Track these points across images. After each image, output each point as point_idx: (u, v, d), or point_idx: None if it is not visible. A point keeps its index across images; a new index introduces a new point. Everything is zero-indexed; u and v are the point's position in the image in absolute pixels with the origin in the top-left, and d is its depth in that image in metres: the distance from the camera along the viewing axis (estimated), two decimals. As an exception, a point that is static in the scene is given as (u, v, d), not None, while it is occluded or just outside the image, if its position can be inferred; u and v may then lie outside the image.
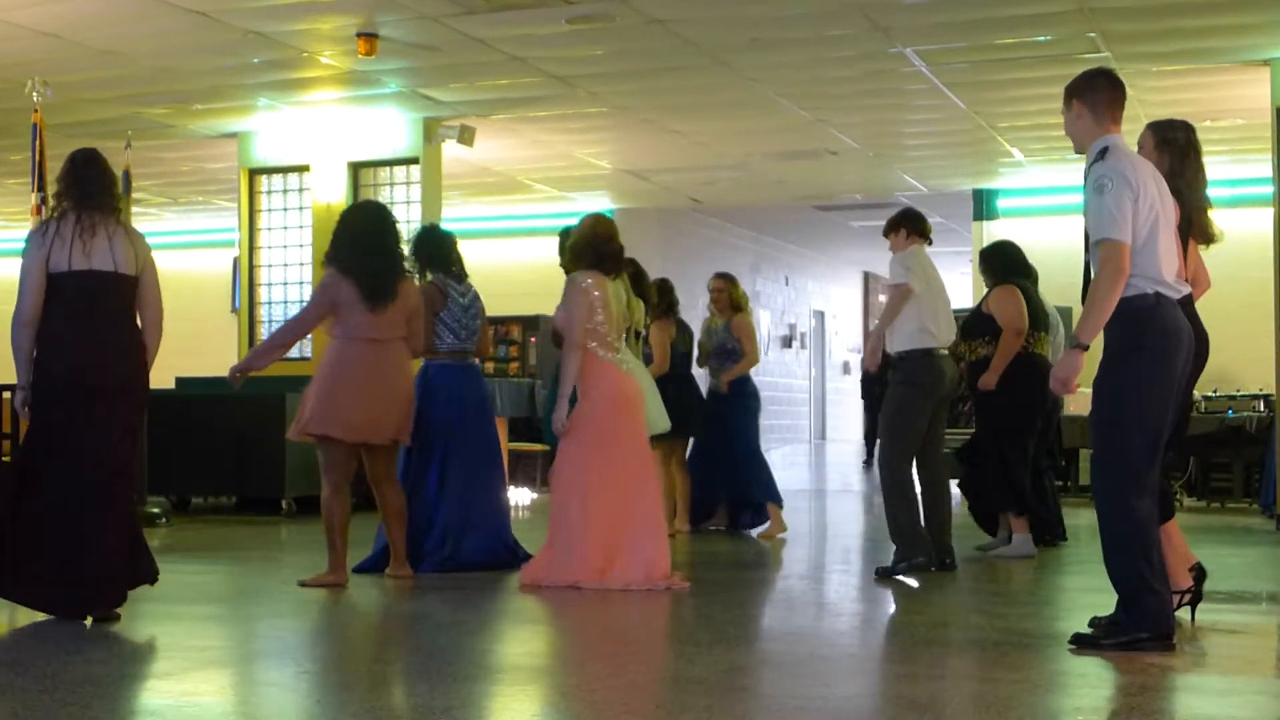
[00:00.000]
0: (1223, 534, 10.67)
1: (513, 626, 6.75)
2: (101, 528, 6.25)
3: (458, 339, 8.21)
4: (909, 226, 8.32)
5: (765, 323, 25.15)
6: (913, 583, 7.70)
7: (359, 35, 10.71)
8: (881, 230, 8.60)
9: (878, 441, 8.42)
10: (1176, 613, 5.82)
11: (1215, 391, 13.59)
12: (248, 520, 11.85)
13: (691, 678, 5.13)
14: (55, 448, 6.25)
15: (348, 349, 7.44)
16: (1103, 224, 5.35)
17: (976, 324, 9.08)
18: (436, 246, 8.36)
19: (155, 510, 11.35)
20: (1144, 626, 5.42)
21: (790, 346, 26.73)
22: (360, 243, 7.54)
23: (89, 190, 6.43)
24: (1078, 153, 5.75)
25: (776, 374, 25.93)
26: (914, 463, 8.14)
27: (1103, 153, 5.50)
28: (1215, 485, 13.77)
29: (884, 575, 7.87)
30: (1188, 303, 5.72)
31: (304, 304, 8.40)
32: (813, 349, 28.09)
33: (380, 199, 13.91)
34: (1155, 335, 5.39)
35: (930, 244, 8.40)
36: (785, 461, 22.64)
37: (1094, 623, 5.60)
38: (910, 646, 6.09)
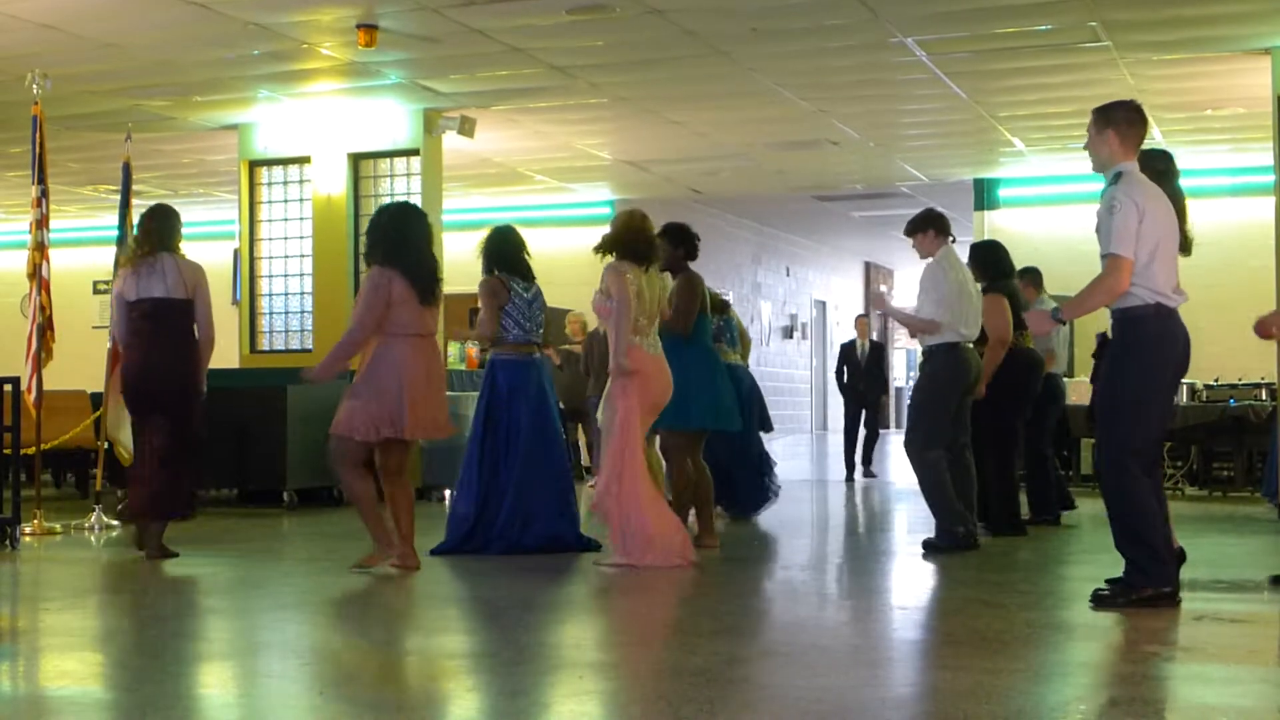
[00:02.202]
0: (1225, 523, 10.67)
1: (513, 618, 6.75)
2: (167, 476, 8.48)
3: (523, 330, 8.67)
4: (936, 227, 8.72)
5: (766, 313, 25.16)
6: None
7: (359, 27, 10.70)
8: (904, 230, 8.91)
9: (906, 439, 8.69)
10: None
11: (1217, 381, 13.59)
12: (249, 512, 11.86)
13: (693, 668, 5.13)
14: (138, 429, 8.76)
15: (402, 346, 7.61)
16: (1111, 240, 6.09)
17: None
18: (504, 246, 8.80)
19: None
20: (1150, 584, 6.15)
21: (791, 337, 26.72)
22: (412, 241, 7.79)
23: (154, 238, 8.54)
24: (1096, 171, 6.44)
25: (777, 364, 25.92)
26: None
27: (1117, 177, 6.24)
28: (1217, 474, 13.77)
29: (931, 549, 8.37)
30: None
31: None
32: (814, 339, 28.08)
33: (380, 190, 13.95)
34: (1154, 339, 6.18)
35: (954, 240, 8.81)
36: (787, 452, 22.65)
37: (1108, 583, 6.32)
38: (912, 636, 6.09)
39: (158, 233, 8.55)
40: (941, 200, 18.93)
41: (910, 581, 7.65)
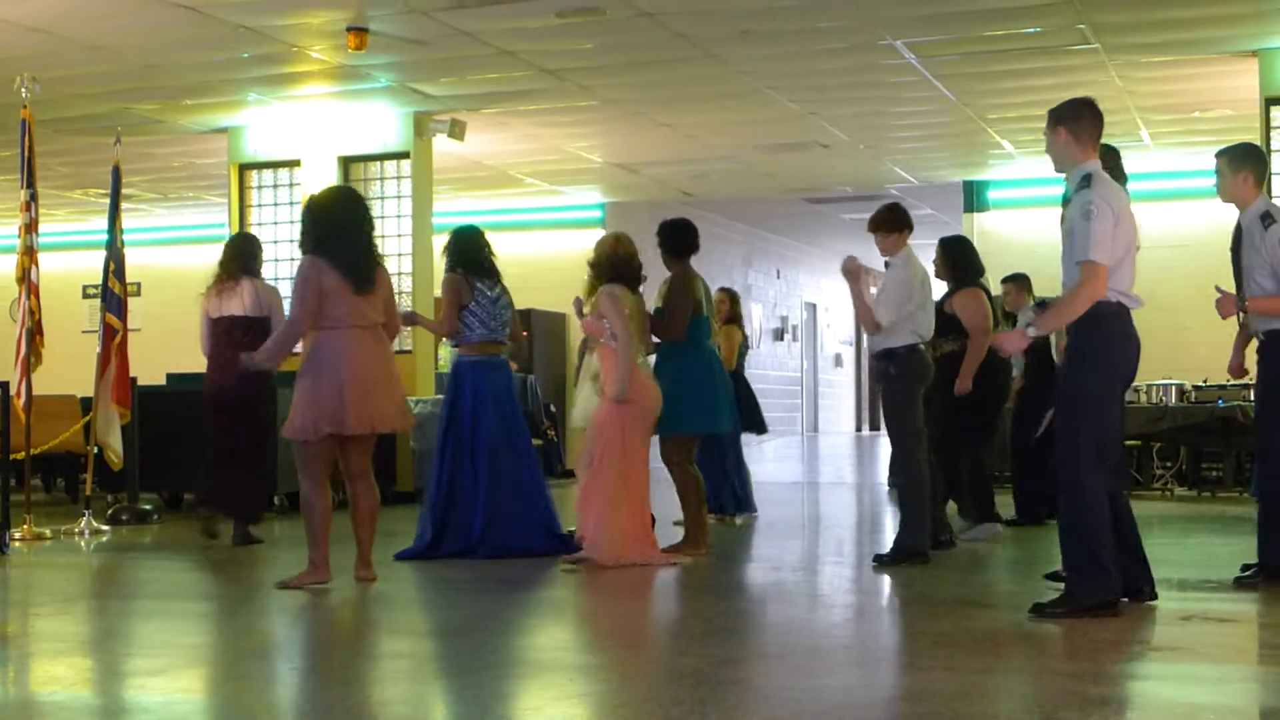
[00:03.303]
0: (1213, 523, 10.70)
1: (502, 621, 6.76)
2: (239, 475, 9.48)
3: (487, 329, 8.63)
4: (899, 221, 8.47)
5: (757, 315, 25.16)
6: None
7: (349, 30, 10.68)
8: (870, 226, 8.59)
9: (889, 430, 8.52)
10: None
11: (1205, 381, 13.61)
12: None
13: (684, 670, 5.14)
14: (214, 432, 9.62)
15: (339, 339, 7.26)
16: (1089, 247, 5.98)
17: (941, 323, 8.95)
18: (468, 245, 8.81)
19: (147, 507, 11.35)
20: (1092, 595, 5.99)
21: (782, 339, 26.73)
22: (341, 228, 7.44)
23: (234, 265, 9.67)
24: (1058, 172, 6.39)
25: (769, 366, 25.93)
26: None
27: (1087, 179, 6.14)
28: (1206, 475, 13.79)
29: (885, 563, 8.09)
30: None
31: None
32: (804, 341, 28.10)
33: (371, 194, 13.92)
34: (1117, 338, 6.09)
35: (911, 230, 8.54)
36: (777, 454, 22.66)
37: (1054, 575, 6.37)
38: (902, 637, 6.10)
39: (239, 259, 9.68)
40: (931, 202, 18.97)
41: (900, 582, 7.66)
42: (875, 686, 5.07)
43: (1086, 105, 6.27)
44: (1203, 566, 7.80)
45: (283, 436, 7.49)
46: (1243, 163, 7.21)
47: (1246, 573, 7.08)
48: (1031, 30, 10.98)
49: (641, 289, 8.45)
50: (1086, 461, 6.02)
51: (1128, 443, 13.38)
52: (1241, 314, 7.19)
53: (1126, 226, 6.10)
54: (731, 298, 11.80)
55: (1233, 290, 7.17)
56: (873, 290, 8.90)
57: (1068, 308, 6.10)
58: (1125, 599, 6.17)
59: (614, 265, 8.27)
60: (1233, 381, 13.59)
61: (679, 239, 8.98)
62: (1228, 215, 7.46)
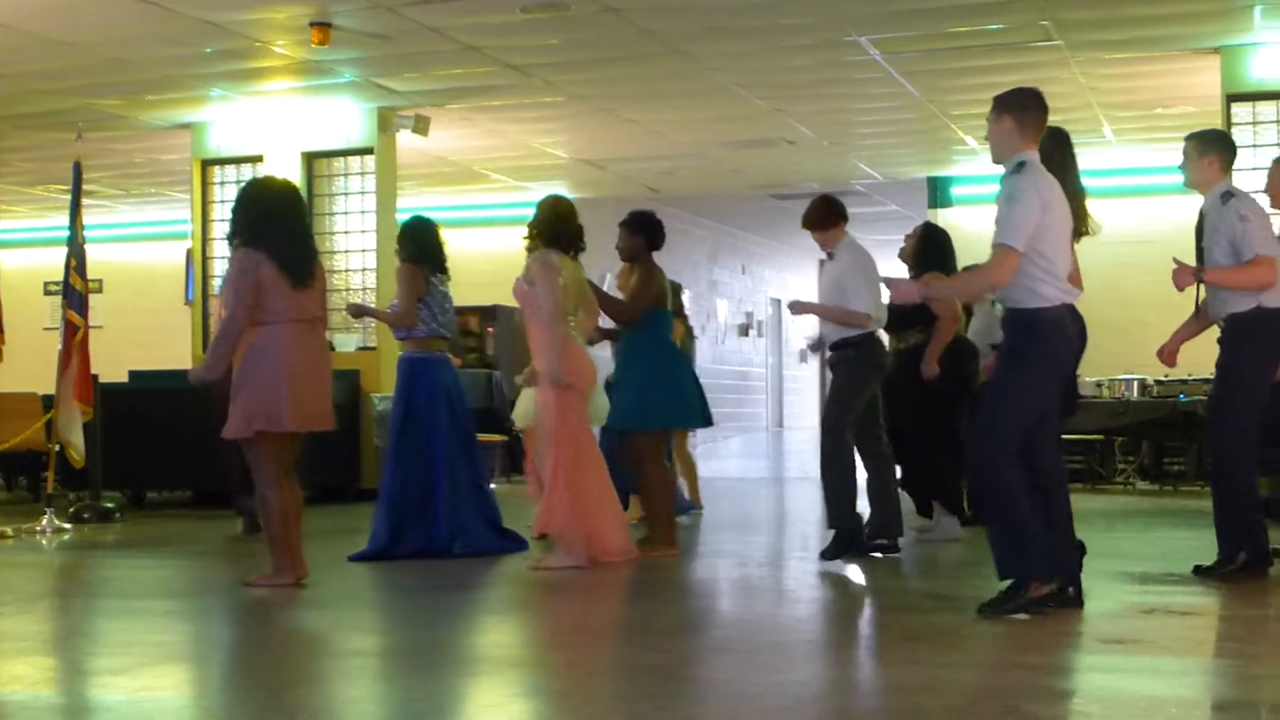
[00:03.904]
0: (1176, 517, 10.77)
1: (471, 618, 6.75)
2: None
3: (437, 324, 8.53)
4: (835, 215, 8.29)
5: (723, 311, 25.19)
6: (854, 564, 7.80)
7: (312, 25, 10.63)
8: (804, 223, 8.41)
9: (829, 414, 8.24)
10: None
11: (1167, 376, 13.69)
12: (204, 515, 11.78)
13: (649, 666, 5.14)
14: None
15: (278, 334, 7.06)
16: (1005, 230, 5.85)
17: (909, 314, 8.85)
18: (424, 237, 8.69)
19: (109, 505, 11.28)
20: (1035, 583, 5.87)
21: (747, 335, 26.77)
22: (278, 219, 7.25)
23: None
24: (995, 162, 6.15)
25: (734, 362, 25.97)
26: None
27: (1020, 166, 5.98)
28: (1168, 469, 13.88)
29: (829, 557, 8.03)
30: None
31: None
32: (770, 337, 28.15)
33: (335, 189, 13.88)
34: (1048, 339, 5.95)
35: (847, 220, 8.38)
36: (742, 450, 22.70)
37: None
38: (866, 631, 6.12)
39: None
40: (896, 198, 19.04)
41: (865, 577, 7.69)
42: (839, 680, 5.08)
43: (1034, 96, 6.11)
44: (1165, 560, 7.85)
45: (227, 437, 7.18)
46: (1210, 146, 7.18)
47: (1225, 568, 7.03)
48: (995, 27, 11.03)
49: (609, 282, 8.31)
50: (1007, 450, 5.89)
51: (1089, 437, 13.49)
52: (1199, 284, 7.15)
53: (1058, 217, 5.95)
54: (673, 289, 11.43)
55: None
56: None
57: (967, 282, 6.16)
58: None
59: (553, 226, 7.91)
60: (1194, 376, 13.77)
61: (656, 231, 8.74)
62: (1190, 211, 7.49)
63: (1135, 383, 13.52)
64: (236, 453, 8.30)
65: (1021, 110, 6.03)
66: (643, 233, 8.67)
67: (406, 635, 6.08)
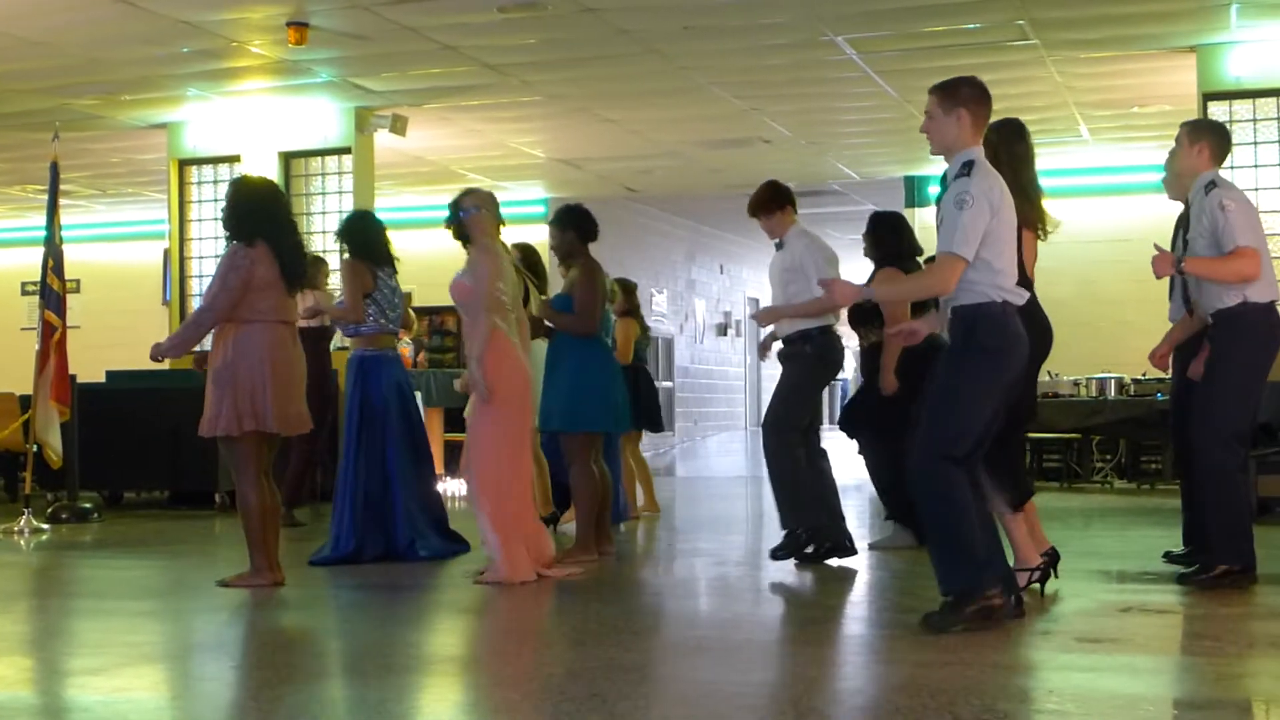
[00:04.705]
0: (1153, 515, 10.81)
1: (446, 619, 6.75)
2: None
3: (386, 320, 8.33)
4: (780, 198, 8.00)
5: (701, 310, 25.22)
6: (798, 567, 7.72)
7: (289, 24, 10.63)
8: (750, 210, 8.17)
9: (772, 411, 7.89)
10: (1026, 588, 6.14)
11: (1144, 374, 13.75)
12: (181, 515, 11.75)
13: (628, 665, 5.15)
14: None
15: (267, 333, 7.02)
16: (953, 238, 5.54)
17: (869, 309, 8.31)
18: (367, 230, 8.47)
19: (87, 505, 11.24)
20: (977, 594, 5.55)
21: (725, 334, 26.80)
22: (278, 220, 7.24)
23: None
24: (937, 154, 5.86)
25: (712, 361, 26.00)
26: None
27: (968, 167, 5.66)
28: (1145, 467, 13.94)
29: (780, 556, 7.84)
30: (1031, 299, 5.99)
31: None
32: (748, 336, 28.19)
33: (312, 189, 13.86)
34: (998, 339, 5.62)
35: (794, 206, 8.06)
36: (721, 448, 22.73)
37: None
38: (845, 631, 6.13)
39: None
40: (872, 198, 19.04)
41: (843, 575, 7.70)
42: (817, 679, 5.09)
43: (984, 89, 5.81)
44: (1142, 558, 7.88)
45: (202, 435, 7.12)
46: (1202, 133, 6.94)
47: (1192, 569, 6.85)
48: (971, 26, 11.06)
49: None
50: (947, 459, 5.57)
51: (1066, 435, 13.53)
52: (1180, 279, 6.90)
53: (1006, 221, 5.66)
54: (626, 289, 10.83)
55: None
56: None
57: (909, 286, 5.80)
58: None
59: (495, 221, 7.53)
60: (1171, 376, 13.82)
61: (587, 222, 8.32)
62: (1168, 210, 7.39)
63: (1112, 381, 13.57)
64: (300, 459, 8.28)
65: (976, 104, 5.74)
66: (571, 227, 8.25)
67: (381, 636, 6.06)
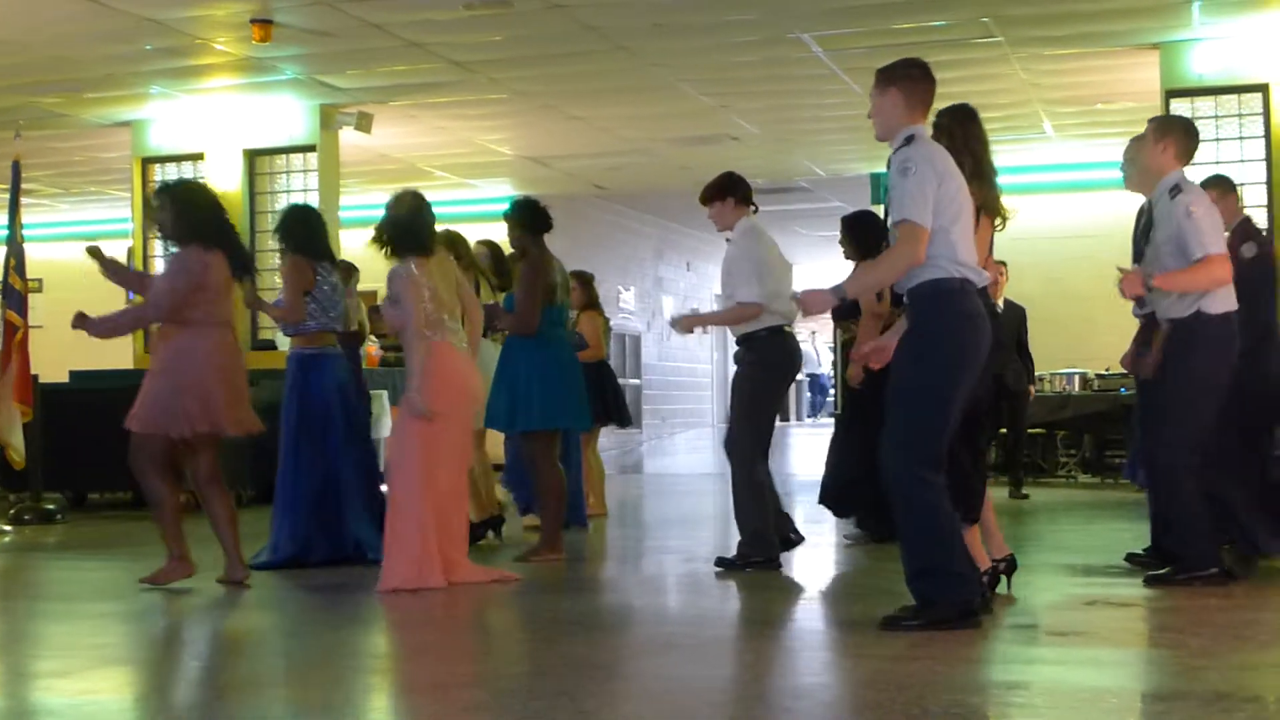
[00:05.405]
0: (1117, 509, 10.87)
1: (409, 618, 6.72)
2: None
3: (327, 318, 8.06)
4: (736, 194, 7.75)
5: (669, 308, 25.23)
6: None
7: (253, 21, 10.58)
8: (700, 198, 7.94)
9: (738, 442, 7.62)
10: (987, 590, 5.94)
11: (1108, 370, 13.83)
12: (145, 516, 11.60)
13: (596, 663, 5.15)
14: None
15: (214, 334, 7.03)
16: (905, 206, 5.39)
17: (850, 304, 7.97)
18: (306, 225, 8.19)
19: (51, 506, 11.16)
20: (950, 605, 5.41)
21: (693, 331, 26.82)
22: (225, 223, 7.20)
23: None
24: (881, 139, 5.78)
25: (679, 359, 26.02)
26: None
27: (909, 139, 5.59)
28: (1110, 462, 14.00)
29: (726, 567, 7.55)
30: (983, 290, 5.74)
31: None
32: (715, 333, 28.19)
33: (277, 187, 13.82)
34: (959, 319, 5.43)
35: (756, 211, 7.88)
36: (688, 445, 22.74)
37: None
38: (813, 626, 6.14)
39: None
40: (839, 194, 19.10)
41: (812, 571, 7.71)
42: (785, 675, 5.10)
43: (919, 66, 5.68)
44: (1106, 552, 7.92)
45: (138, 430, 7.08)
46: (1169, 130, 6.74)
47: (1160, 571, 6.72)
48: (937, 24, 11.10)
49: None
50: (921, 461, 5.38)
51: (1031, 430, 13.58)
52: (1148, 291, 6.54)
53: (956, 190, 5.49)
54: (584, 281, 10.46)
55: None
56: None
57: (878, 270, 5.53)
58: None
59: (411, 230, 7.20)
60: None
61: (535, 214, 8.14)
62: (1132, 206, 7.39)
63: (1076, 376, 13.65)
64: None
65: (909, 82, 5.61)
66: (518, 221, 8.12)
67: (343, 636, 6.04)
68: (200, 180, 7.73)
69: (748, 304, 7.45)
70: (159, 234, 7.32)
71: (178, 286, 7.00)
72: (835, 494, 8.76)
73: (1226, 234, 6.93)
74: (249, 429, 7.21)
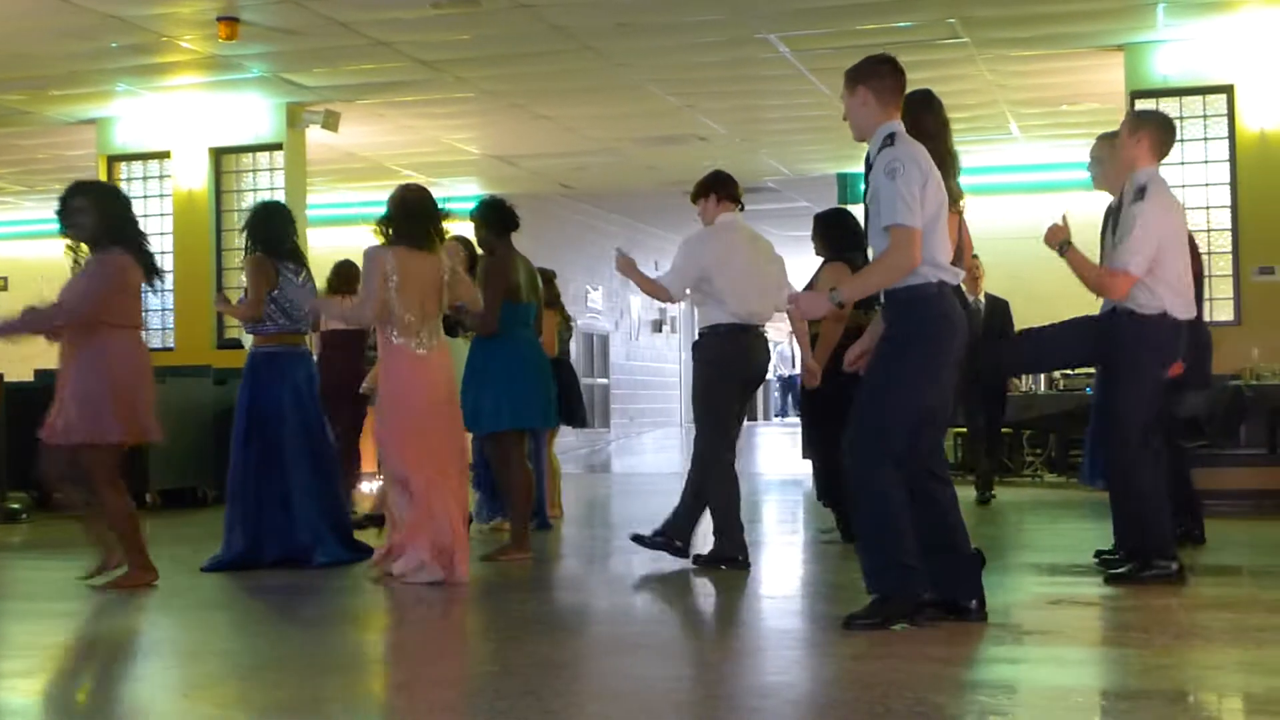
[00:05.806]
0: (1082, 508, 10.91)
1: (373, 618, 6.71)
2: None
3: (290, 319, 7.89)
4: (720, 191, 7.77)
5: (636, 307, 25.24)
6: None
7: (219, 19, 10.54)
8: (690, 196, 7.98)
9: (704, 446, 7.68)
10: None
11: (1074, 370, 13.90)
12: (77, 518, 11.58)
13: (560, 662, 5.15)
14: None
15: (132, 339, 7.00)
16: (896, 210, 5.39)
17: None
18: (271, 224, 8.00)
19: (16, 506, 11.10)
20: (902, 600, 5.44)
21: (660, 331, 26.84)
22: (136, 225, 7.15)
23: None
24: (859, 139, 5.79)
25: (647, 358, 26.03)
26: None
27: (890, 138, 5.57)
28: (1075, 461, 14.06)
29: (702, 564, 7.59)
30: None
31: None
32: (683, 333, 28.23)
33: (243, 185, 13.77)
34: (936, 322, 5.46)
35: (743, 209, 7.88)
36: (656, 445, 22.75)
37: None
38: (780, 625, 6.15)
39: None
40: (806, 194, 19.14)
41: (779, 569, 7.73)
42: (751, 674, 5.11)
43: (886, 62, 5.68)
44: (1071, 551, 7.96)
45: (85, 442, 6.87)
46: (1144, 124, 6.73)
47: (1122, 569, 6.76)
48: (903, 25, 11.14)
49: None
50: (884, 456, 5.42)
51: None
52: (1060, 255, 6.71)
53: (935, 189, 5.50)
54: (545, 278, 10.02)
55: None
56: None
57: (874, 275, 5.51)
58: (942, 610, 5.57)
59: (418, 218, 7.21)
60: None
61: (502, 213, 8.11)
62: (1098, 207, 7.44)
63: (1042, 376, 13.69)
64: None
65: (877, 79, 5.62)
66: (482, 221, 8.10)
67: (309, 636, 6.02)
68: (106, 181, 7.57)
69: (658, 284, 7.67)
70: (75, 235, 7.12)
71: (98, 289, 6.86)
72: (836, 492, 8.59)
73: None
74: (156, 435, 7.14)
